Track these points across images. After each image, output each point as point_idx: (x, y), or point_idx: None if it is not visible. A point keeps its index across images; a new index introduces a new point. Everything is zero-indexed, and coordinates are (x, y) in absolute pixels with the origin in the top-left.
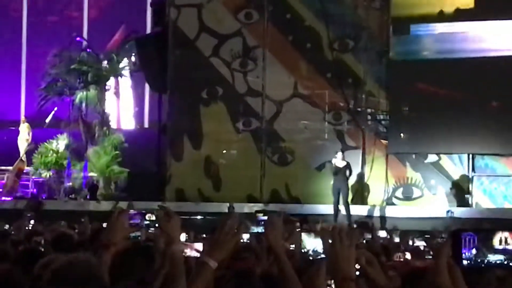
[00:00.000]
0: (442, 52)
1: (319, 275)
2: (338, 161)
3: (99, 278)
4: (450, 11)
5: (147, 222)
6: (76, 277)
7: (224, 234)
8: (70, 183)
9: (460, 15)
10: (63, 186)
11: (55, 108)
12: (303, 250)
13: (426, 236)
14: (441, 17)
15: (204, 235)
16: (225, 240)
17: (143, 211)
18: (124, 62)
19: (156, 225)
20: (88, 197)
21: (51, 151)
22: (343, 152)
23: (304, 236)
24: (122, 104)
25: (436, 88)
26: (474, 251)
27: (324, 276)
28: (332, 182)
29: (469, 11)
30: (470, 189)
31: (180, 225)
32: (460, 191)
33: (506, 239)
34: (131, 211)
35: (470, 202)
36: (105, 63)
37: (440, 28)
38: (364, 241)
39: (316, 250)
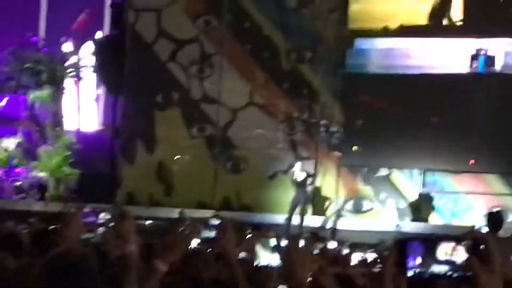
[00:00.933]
0: (386, 68)
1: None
2: (298, 172)
3: (92, 270)
4: (394, 27)
5: (100, 221)
6: (68, 268)
7: (175, 237)
8: (19, 183)
9: (404, 31)
10: (12, 186)
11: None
12: (257, 263)
13: (374, 249)
14: (386, 32)
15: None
16: (176, 244)
17: (98, 210)
18: (80, 63)
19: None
20: (38, 197)
21: (2, 150)
22: (300, 163)
23: (259, 249)
24: (77, 105)
25: (383, 103)
26: (419, 261)
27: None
28: (292, 193)
29: (413, 28)
30: (420, 204)
31: (134, 226)
32: (410, 205)
33: (451, 250)
34: (85, 210)
35: (418, 217)
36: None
37: (383, 43)
38: (316, 252)
39: (270, 266)
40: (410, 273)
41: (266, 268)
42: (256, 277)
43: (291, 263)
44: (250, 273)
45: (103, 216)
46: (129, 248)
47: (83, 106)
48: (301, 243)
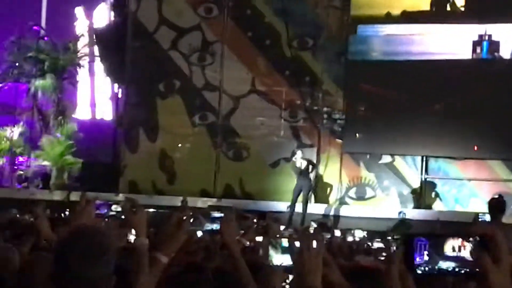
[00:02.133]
0: (389, 54)
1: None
2: (299, 160)
3: (111, 249)
4: (397, 13)
5: (112, 213)
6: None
7: (172, 228)
8: (23, 172)
9: (407, 17)
10: (15, 174)
11: None
12: (270, 264)
13: (382, 239)
14: (388, 18)
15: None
16: (174, 234)
17: (110, 202)
18: (82, 51)
19: (122, 216)
20: (40, 186)
21: (4, 139)
22: (302, 150)
23: (271, 250)
24: (80, 94)
25: (387, 90)
26: (426, 257)
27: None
28: (295, 180)
29: (415, 13)
30: (423, 191)
31: (146, 218)
32: (413, 192)
33: (458, 246)
34: (98, 201)
35: (422, 203)
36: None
37: (387, 30)
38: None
39: (283, 265)
40: (418, 271)
41: (274, 265)
42: (261, 270)
43: (303, 265)
44: (254, 264)
45: (115, 208)
46: (142, 240)
47: (85, 95)
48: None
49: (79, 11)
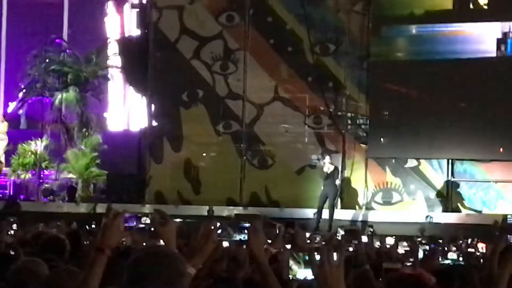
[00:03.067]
0: (413, 54)
1: None
2: (327, 165)
3: (185, 274)
4: (420, 13)
5: (142, 226)
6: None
7: (200, 239)
8: (48, 185)
9: (430, 17)
10: (41, 188)
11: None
12: (293, 278)
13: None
14: (411, 18)
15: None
16: (201, 245)
17: (138, 214)
18: (106, 64)
19: (152, 229)
20: (66, 199)
21: (29, 152)
22: (330, 156)
23: (293, 265)
24: (104, 106)
25: (410, 91)
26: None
27: None
28: (321, 186)
29: (438, 13)
30: (449, 194)
31: (175, 229)
32: (439, 196)
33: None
34: (126, 214)
35: (449, 207)
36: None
37: (410, 30)
38: (352, 249)
39: (307, 279)
40: None
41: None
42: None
43: (325, 278)
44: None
45: (144, 221)
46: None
47: (111, 107)
48: (335, 255)
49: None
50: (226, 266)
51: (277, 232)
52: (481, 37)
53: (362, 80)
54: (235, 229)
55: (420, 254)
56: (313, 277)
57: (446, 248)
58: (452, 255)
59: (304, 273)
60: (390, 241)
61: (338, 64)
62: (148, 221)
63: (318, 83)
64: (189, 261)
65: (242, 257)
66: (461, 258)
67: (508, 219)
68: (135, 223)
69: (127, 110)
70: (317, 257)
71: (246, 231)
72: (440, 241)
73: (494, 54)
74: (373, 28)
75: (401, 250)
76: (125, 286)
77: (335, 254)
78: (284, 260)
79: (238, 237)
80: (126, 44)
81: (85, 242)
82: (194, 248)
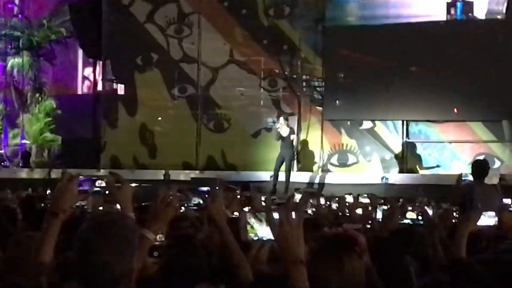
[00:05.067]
0: (365, 19)
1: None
2: (283, 128)
3: (135, 242)
4: None
5: (97, 189)
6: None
7: (159, 205)
8: (1, 151)
9: None
10: None
11: None
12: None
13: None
14: None
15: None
16: (161, 212)
17: (93, 178)
18: (58, 28)
19: (106, 192)
20: (21, 164)
21: None
22: (286, 118)
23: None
24: (58, 71)
25: (364, 55)
26: None
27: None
28: (278, 149)
29: None
30: (405, 155)
31: (131, 193)
32: (395, 157)
33: None
34: (80, 177)
35: (404, 168)
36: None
37: None
38: (311, 211)
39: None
40: None
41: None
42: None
43: (284, 237)
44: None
45: (99, 184)
46: (128, 215)
47: (63, 71)
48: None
49: None
50: (185, 228)
51: (234, 195)
52: (431, 1)
53: (317, 43)
54: (193, 192)
55: (379, 215)
56: (272, 237)
57: (405, 208)
58: (411, 215)
59: (265, 232)
60: (350, 199)
61: (293, 27)
62: (103, 184)
63: (273, 46)
64: (149, 227)
65: (201, 220)
66: (420, 217)
67: (463, 178)
68: (90, 187)
69: (80, 74)
70: (276, 216)
71: (205, 195)
72: (400, 201)
73: (444, 18)
74: None
75: (359, 211)
76: (76, 257)
77: (293, 214)
78: (242, 222)
79: (196, 200)
80: (78, 8)
81: (40, 207)
82: (154, 214)
